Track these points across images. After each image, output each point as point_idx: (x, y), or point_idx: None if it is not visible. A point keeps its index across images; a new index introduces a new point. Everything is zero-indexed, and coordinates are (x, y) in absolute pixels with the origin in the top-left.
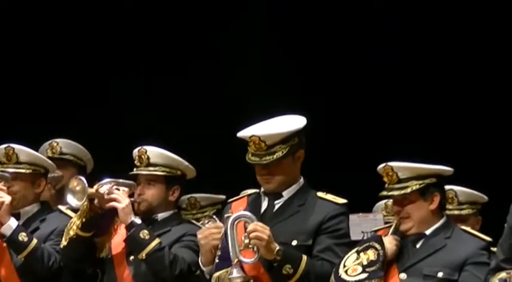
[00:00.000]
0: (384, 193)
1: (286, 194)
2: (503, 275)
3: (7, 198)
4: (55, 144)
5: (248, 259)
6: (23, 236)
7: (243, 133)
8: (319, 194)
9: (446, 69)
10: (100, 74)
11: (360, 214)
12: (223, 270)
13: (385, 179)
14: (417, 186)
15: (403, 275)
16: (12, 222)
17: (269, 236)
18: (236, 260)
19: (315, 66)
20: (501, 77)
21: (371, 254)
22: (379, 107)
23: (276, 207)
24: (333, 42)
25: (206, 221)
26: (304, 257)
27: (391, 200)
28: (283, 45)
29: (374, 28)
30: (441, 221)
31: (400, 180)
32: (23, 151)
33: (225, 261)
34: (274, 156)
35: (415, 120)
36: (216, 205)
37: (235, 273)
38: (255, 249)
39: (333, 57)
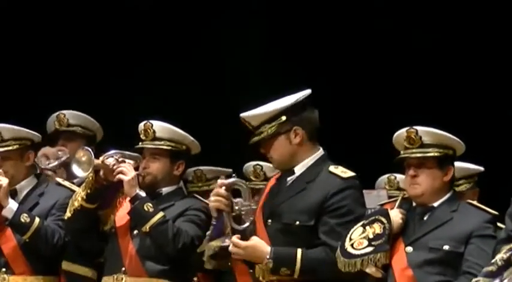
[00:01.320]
0: (405, 155)
1: (298, 170)
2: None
3: (4, 181)
4: (62, 116)
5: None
6: (24, 217)
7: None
8: (331, 168)
9: (448, 41)
10: (107, 60)
11: (364, 190)
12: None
13: (405, 143)
14: (438, 154)
15: (409, 248)
16: (13, 205)
17: (246, 249)
18: (229, 228)
19: (317, 46)
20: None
21: (377, 228)
22: (383, 87)
23: (287, 184)
24: (333, 19)
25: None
26: (299, 254)
27: (394, 174)
28: (285, 24)
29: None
30: (448, 195)
31: (422, 145)
32: (4, 128)
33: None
34: (260, 136)
35: (416, 101)
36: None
37: (227, 242)
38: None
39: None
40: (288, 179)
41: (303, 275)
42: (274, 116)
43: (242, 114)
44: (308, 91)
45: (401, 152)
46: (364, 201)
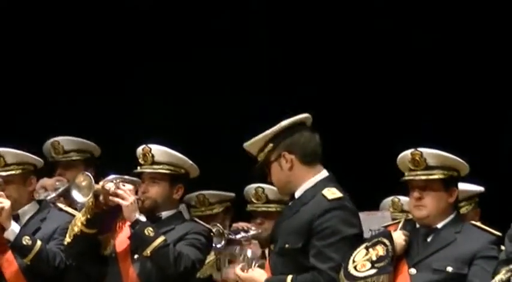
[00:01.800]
0: (409, 177)
1: (297, 194)
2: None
3: (6, 203)
4: (56, 143)
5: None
6: (26, 240)
7: None
8: (324, 190)
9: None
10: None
11: (368, 212)
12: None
13: (410, 165)
14: (443, 176)
15: (412, 270)
16: (15, 227)
17: (246, 280)
18: None
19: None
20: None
21: (380, 250)
22: (387, 109)
23: (288, 208)
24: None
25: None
26: (288, 281)
27: (398, 197)
28: (285, 31)
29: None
30: (452, 216)
31: (427, 167)
32: (8, 153)
33: None
34: (257, 165)
35: (415, 121)
36: (224, 202)
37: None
38: None
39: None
40: (290, 203)
41: None
42: (264, 144)
43: (244, 144)
44: (299, 116)
45: (406, 174)
46: (354, 221)
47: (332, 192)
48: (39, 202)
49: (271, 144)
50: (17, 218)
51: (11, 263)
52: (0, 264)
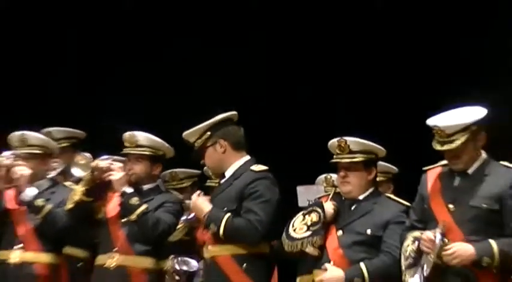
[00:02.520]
0: (336, 160)
1: (228, 173)
2: (416, 234)
3: (27, 171)
4: (48, 133)
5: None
6: (39, 202)
7: None
8: (252, 166)
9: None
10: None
11: (306, 186)
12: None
13: (337, 150)
14: (363, 158)
15: (339, 232)
16: (30, 191)
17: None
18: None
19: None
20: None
21: (314, 216)
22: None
23: (220, 185)
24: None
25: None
26: (226, 217)
27: (330, 174)
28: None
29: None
30: (371, 190)
31: (350, 152)
32: (33, 136)
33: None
34: (195, 150)
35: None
36: (192, 178)
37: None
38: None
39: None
40: (222, 181)
41: (225, 236)
42: (203, 133)
43: (183, 133)
44: (230, 113)
45: (334, 157)
46: (276, 189)
47: (259, 167)
48: (51, 179)
49: (208, 133)
50: None
51: (23, 222)
52: (14, 221)
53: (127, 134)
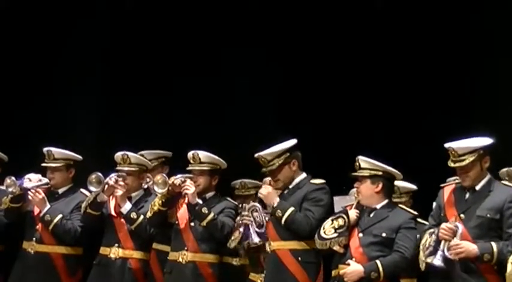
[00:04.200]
0: (353, 174)
1: (292, 185)
2: (431, 230)
3: (122, 190)
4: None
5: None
6: (133, 214)
7: None
8: (312, 180)
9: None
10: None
11: (341, 196)
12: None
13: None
14: (368, 174)
15: (361, 235)
16: (128, 206)
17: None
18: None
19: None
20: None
21: (340, 221)
22: (356, 104)
23: (286, 192)
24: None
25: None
26: (291, 208)
27: None
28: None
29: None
30: (385, 201)
31: (360, 168)
32: (133, 156)
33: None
34: (274, 166)
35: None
36: (257, 187)
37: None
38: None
39: None
40: (285, 192)
41: (286, 222)
42: (281, 153)
43: (261, 153)
44: (295, 140)
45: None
46: (329, 197)
47: (318, 180)
48: (145, 190)
49: (288, 154)
50: (130, 199)
51: (122, 227)
52: (116, 227)
53: (190, 153)
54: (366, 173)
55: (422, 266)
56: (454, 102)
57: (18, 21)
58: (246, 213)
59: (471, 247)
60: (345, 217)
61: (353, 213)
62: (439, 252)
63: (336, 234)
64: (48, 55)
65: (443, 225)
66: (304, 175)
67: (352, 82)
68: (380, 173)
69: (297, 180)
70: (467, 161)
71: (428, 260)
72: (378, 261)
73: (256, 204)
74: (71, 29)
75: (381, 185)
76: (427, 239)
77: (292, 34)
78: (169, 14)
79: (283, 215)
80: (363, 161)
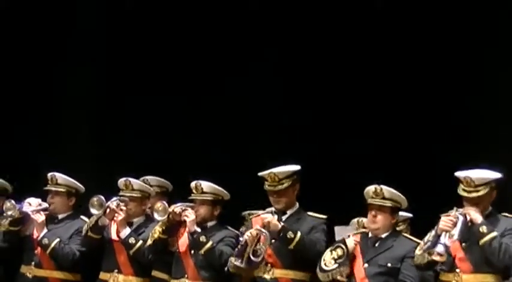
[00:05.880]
0: (371, 202)
1: (290, 211)
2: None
3: (122, 216)
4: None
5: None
6: (132, 239)
7: None
8: (309, 213)
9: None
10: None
11: (341, 226)
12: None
13: (373, 194)
14: (391, 205)
15: (366, 265)
16: (126, 231)
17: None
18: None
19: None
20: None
21: (339, 251)
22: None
23: (283, 219)
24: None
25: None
26: (300, 232)
27: (361, 218)
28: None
29: None
30: (391, 230)
31: (383, 198)
32: (135, 182)
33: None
34: (283, 185)
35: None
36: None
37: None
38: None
39: None
40: (283, 218)
41: (298, 244)
42: (292, 174)
43: (271, 170)
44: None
45: (368, 200)
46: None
47: (317, 215)
48: (146, 215)
49: (295, 176)
50: (131, 224)
51: (122, 252)
52: (116, 251)
53: (193, 183)
54: (388, 203)
55: (418, 260)
56: (454, 102)
57: (18, 21)
58: (254, 231)
59: None
60: (343, 247)
61: (351, 242)
62: (440, 240)
63: (336, 265)
64: (48, 55)
65: (443, 217)
66: (297, 205)
67: (352, 82)
68: (399, 205)
69: (292, 209)
70: (483, 192)
71: (428, 253)
72: None
73: (265, 231)
74: (71, 29)
75: (396, 217)
76: (426, 238)
77: (292, 34)
78: (169, 14)
79: (295, 236)
80: (387, 191)
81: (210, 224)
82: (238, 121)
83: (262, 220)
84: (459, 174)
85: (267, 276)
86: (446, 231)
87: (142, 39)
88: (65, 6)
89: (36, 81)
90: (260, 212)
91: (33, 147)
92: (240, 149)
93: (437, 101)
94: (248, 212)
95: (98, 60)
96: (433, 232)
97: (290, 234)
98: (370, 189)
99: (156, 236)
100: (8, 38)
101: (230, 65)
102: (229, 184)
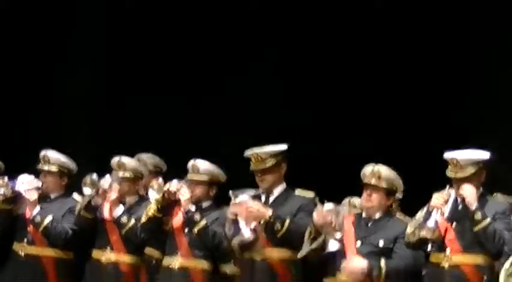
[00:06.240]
0: (367, 182)
1: (277, 191)
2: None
3: (114, 195)
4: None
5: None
6: (124, 219)
7: None
8: (297, 191)
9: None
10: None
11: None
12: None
13: (369, 174)
14: (386, 186)
15: (358, 244)
16: (120, 210)
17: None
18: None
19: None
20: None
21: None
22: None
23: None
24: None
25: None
26: (288, 220)
27: (353, 198)
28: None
29: None
30: (385, 212)
31: (379, 178)
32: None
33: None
34: (267, 164)
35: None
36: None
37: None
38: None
39: None
40: (271, 199)
41: (287, 231)
42: (277, 154)
43: (253, 150)
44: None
45: (364, 180)
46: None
47: (307, 192)
48: (139, 195)
49: (282, 155)
50: (124, 204)
51: (114, 231)
52: (108, 230)
53: (190, 163)
54: (383, 184)
55: (408, 238)
56: (454, 102)
57: (18, 21)
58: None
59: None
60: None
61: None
62: (431, 217)
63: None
64: (48, 55)
65: (435, 194)
66: (285, 184)
67: (352, 82)
68: (395, 188)
69: (279, 189)
70: (469, 172)
71: (419, 229)
72: (382, 260)
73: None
74: (71, 29)
75: (392, 200)
76: (418, 214)
77: (292, 34)
78: (169, 14)
79: (282, 226)
80: (384, 171)
81: (205, 204)
82: (238, 121)
83: (251, 213)
84: (446, 155)
85: (257, 257)
86: (438, 208)
87: (142, 39)
88: (65, 6)
89: (36, 81)
90: (243, 196)
91: (33, 147)
92: (240, 149)
93: (437, 101)
94: (234, 191)
95: (98, 60)
96: (424, 209)
97: (277, 226)
98: (367, 169)
99: (150, 213)
100: (8, 38)
101: (230, 65)
102: (229, 184)
